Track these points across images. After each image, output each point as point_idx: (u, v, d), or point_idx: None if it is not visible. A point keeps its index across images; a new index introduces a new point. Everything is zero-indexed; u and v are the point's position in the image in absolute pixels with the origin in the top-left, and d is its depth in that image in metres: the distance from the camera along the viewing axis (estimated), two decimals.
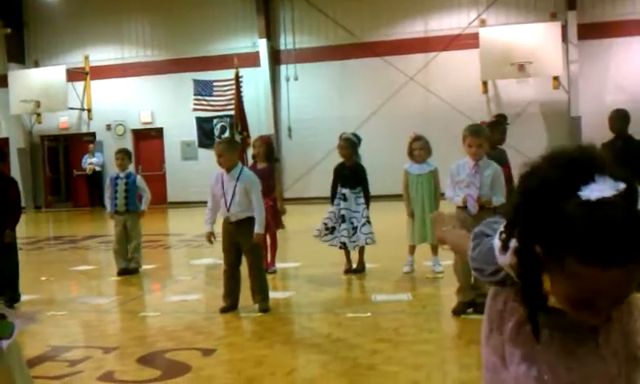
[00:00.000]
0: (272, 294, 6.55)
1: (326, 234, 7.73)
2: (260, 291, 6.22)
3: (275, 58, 21.12)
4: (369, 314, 5.83)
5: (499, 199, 5.64)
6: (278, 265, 8.45)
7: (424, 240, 7.47)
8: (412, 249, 7.66)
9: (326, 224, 7.74)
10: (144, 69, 21.62)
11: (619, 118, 7.24)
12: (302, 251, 10.44)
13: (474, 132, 5.66)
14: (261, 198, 6.19)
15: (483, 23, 19.56)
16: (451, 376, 4.29)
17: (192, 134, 21.29)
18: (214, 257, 7.82)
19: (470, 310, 5.59)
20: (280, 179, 8.40)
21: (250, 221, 6.09)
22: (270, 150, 8.17)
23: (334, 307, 6.28)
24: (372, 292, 6.61)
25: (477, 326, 5.23)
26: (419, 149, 7.73)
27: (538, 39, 18.62)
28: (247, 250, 6.17)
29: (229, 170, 6.14)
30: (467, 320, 5.54)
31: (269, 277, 6.93)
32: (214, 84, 19.67)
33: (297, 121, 20.79)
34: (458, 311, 5.62)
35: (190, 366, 4.61)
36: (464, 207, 5.65)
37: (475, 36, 19.17)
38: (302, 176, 20.12)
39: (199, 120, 20.91)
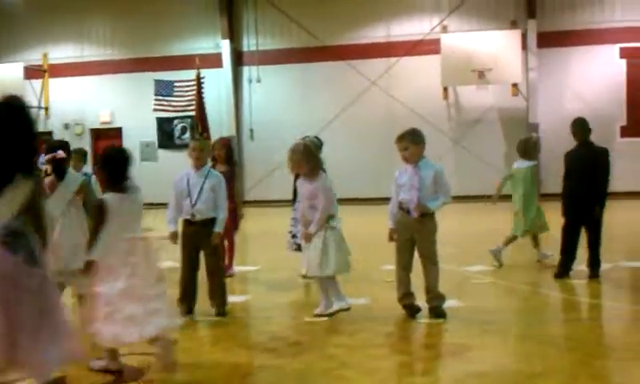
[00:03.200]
0: (230, 298, 6.50)
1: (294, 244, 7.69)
2: (218, 295, 6.17)
3: (238, 60, 21.04)
4: (326, 318, 5.83)
5: (440, 200, 5.70)
6: (237, 268, 8.40)
7: (531, 228, 8.35)
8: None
9: (291, 232, 7.73)
10: (104, 68, 21.34)
11: (583, 126, 7.40)
12: (262, 254, 10.40)
13: (397, 138, 5.82)
14: (226, 199, 6.16)
15: (445, 29, 19.76)
16: (406, 381, 4.32)
17: (152, 135, 21.07)
18: (173, 260, 7.72)
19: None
20: (239, 182, 8.36)
21: (212, 223, 6.04)
22: (229, 152, 8.13)
23: (291, 311, 6.27)
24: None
25: (432, 330, 5.30)
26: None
27: (499, 46, 18.91)
28: (208, 252, 6.12)
29: (199, 168, 6.10)
30: (423, 324, 5.59)
31: (227, 280, 6.88)
32: (175, 84, 19.49)
33: (259, 123, 20.74)
34: (412, 313, 5.72)
35: (144, 372, 4.55)
36: (405, 210, 5.71)
37: (437, 42, 19.37)
38: (263, 178, 20.07)
39: (159, 120, 20.71)
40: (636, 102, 19.44)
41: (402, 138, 5.83)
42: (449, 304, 5.99)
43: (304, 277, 7.22)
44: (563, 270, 7.40)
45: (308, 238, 5.83)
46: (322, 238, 5.81)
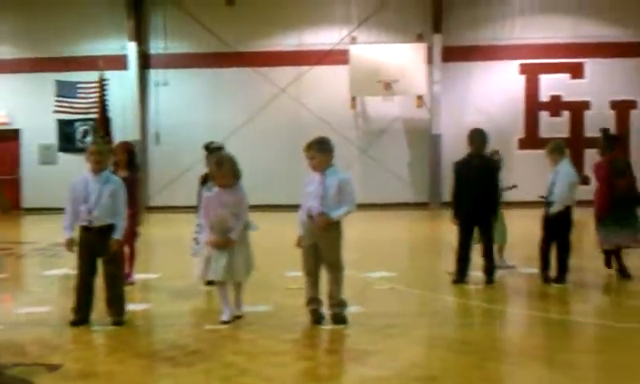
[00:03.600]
0: (130, 306, 6.32)
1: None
2: (116, 303, 5.99)
3: (144, 62, 20.57)
4: (227, 325, 5.77)
5: (343, 210, 5.73)
6: (139, 276, 8.19)
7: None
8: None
9: (195, 238, 7.59)
10: (2, 66, 20.37)
11: (479, 137, 7.65)
12: (165, 262, 10.19)
13: (305, 146, 5.89)
14: (125, 204, 6.00)
15: (354, 41, 20.06)
16: None
17: (52, 137, 20.27)
18: (69, 267, 7.44)
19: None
20: (141, 189, 8.14)
21: (111, 229, 5.87)
22: (131, 157, 7.91)
23: (192, 319, 6.16)
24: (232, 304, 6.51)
25: (334, 336, 5.33)
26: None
27: (405, 59, 19.37)
28: (107, 259, 5.93)
29: (97, 173, 5.90)
30: (325, 330, 5.62)
31: (127, 288, 6.68)
32: (78, 86, 18.80)
33: (165, 127, 20.35)
34: (315, 319, 5.76)
35: (32, 383, 4.35)
36: (311, 218, 5.76)
37: (346, 52, 19.63)
38: (168, 183, 19.69)
39: (60, 123, 19.94)
40: (533, 116, 20.39)
41: (309, 147, 5.88)
42: (351, 310, 6.05)
43: (208, 283, 7.11)
44: (459, 276, 7.64)
45: (228, 244, 5.79)
46: (244, 243, 5.98)
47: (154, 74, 20.60)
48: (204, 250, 5.94)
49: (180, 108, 20.36)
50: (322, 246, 5.79)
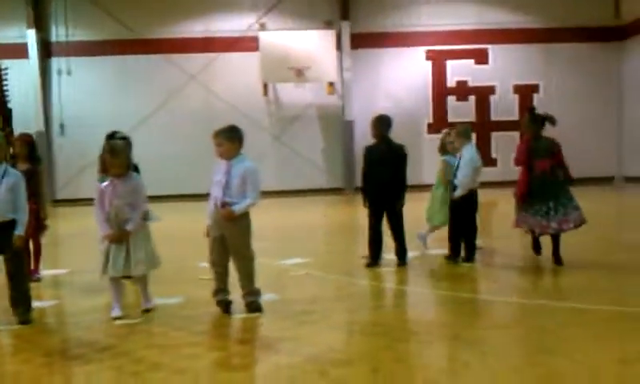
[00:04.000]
0: (36, 304, 6.09)
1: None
2: (21, 301, 5.75)
3: (46, 51, 19.78)
4: (139, 319, 5.65)
5: (246, 202, 5.67)
6: (47, 272, 7.90)
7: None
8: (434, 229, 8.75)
9: None
10: None
11: (381, 124, 7.76)
12: (74, 256, 9.87)
13: (213, 133, 5.80)
14: (25, 198, 5.74)
15: (263, 27, 19.97)
16: (217, 378, 4.29)
17: None
18: None
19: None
20: (44, 182, 7.84)
21: (12, 225, 5.61)
22: (31, 150, 7.59)
23: (102, 314, 5.99)
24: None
25: (247, 325, 5.30)
26: (452, 142, 8.42)
27: (315, 46, 19.46)
28: (8, 257, 5.67)
29: None
30: (239, 319, 5.59)
31: (32, 285, 6.43)
32: None
33: (70, 117, 19.67)
34: (224, 310, 5.72)
35: None
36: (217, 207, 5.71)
37: (255, 39, 19.53)
38: (75, 175, 19.08)
39: None
40: (441, 101, 20.94)
41: (217, 134, 5.78)
42: (265, 298, 6.05)
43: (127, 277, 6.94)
44: (373, 259, 7.77)
45: (125, 237, 5.63)
46: (144, 235, 5.76)
47: (57, 63, 19.85)
48: (103, 245, 5.75)
49: (85, 97, 19.71)
50: (229, 237, 5.73)
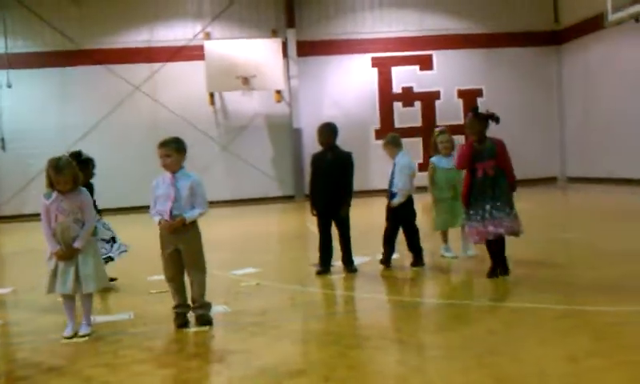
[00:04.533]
0: None
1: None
2: None
3: None
4: (86, 338, 5.53)
5: (196, 212, 5.64)
6: None
7: (450, 226, 8.30)
8: (444, 235, 8.44)
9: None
10: None
11: (326, 131, 7.80)
12: (18, 274, 9.61)
13: (160, 144, 5.70)
14: None
15: (208, 36, 19.84)
16: None
17: None
18: None
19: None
20: None
21: None
22: None
23: (48, 334, 5.84)
24: (92, 313, 6.25)
25: (198, 339, 5.23)
26: (445, 142, 8.35)
27: (261, 54, 19.43)
28: None
29: None
30: (189, 333, 5.53)
31: None
32: None
33: (11, 131, 19.16)
34: (180, 324, 5.65)
35: None
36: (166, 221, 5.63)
37: (201, 48, 19.39)
38: (19, 191, 18.58)
39: None
40: (387, 107, 21.16)
41: (165, 145, 5.68)
42: (216, 310, 6.00)
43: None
44: (323, 267, 7.79)
45: (72, 254, 5.50)
46: (92, 251, 5.63)
47: None
48: (50, 262, 5.60)
49: (27, 111, 19.25)
50: (184, 250, 5.67)
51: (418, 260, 7.93)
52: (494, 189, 6.83)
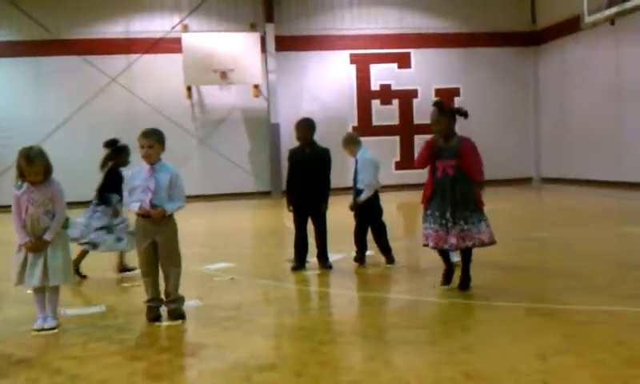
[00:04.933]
0: None
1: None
2: None
3: None
4: (55, 330, 5.46)
5: (176, 204, 5.65)
6: None
7: None
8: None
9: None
10: None
11: (304, 127, 7.79)
12: None
13: (143, 134, 5.65)
14: None
15: (186, 29, 19.71)
16: None
17: None
18: None
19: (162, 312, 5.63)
20: None
21: None
22: None
23: (17, 325, 5.76)
24: (62, 306, 6.18)
25: (170, 333, 5.18)
26: None
27: (239, 48, 19.34)
28: None
29: None
30: (161, 327, 5.49)
31: None
32: None
33: None
34: (152, 317, 5.61)
35: None
36: (142, 215, 5.58)
37: (178, 41, 19.25)
38: None
39: None
40: (365, 105, 21.18)
41: (148, 135, 5.62)
42: (189, 304, 5.96)
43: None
44: (298, 262, 7.78)
45: (42, 246, 5.42)
46: (62, 244, 5.55)
47: None
48: (19, 254, 5.52)
49: (2, 100, 18.98)
50: (160, 242, 5.62)
51: (389, 257, 7.93)
52: (454, 191, 6.16)
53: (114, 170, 7.76)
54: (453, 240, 6.16)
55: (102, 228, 7.57)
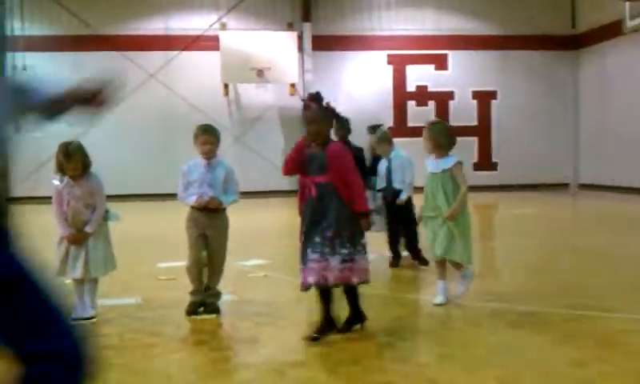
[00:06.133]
0: None
1: None
2: None
3: (1, 45, 19.33)
4: (93, 320, 5.57)
5: (231, 198, 5.78)
6: None
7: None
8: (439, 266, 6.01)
9: None
10: None
11: (339, 124, 7.79)
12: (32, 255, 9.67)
13: (204, 130, 5.77)
14: None
15: (224, 27, 19.87)
16: (175, 379, 4.26)
17: None
18: None
19: (201, 309, 5.67)
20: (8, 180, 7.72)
21: None
22: None
23: None
24: (99, 297, 6.29)
25: (206, 326, 5.25)
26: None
27: (276, 47, 19.43)
28: None
29: None
30: (196, 320, 5.56)
31: None
32: None
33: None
34: (190, 311, 5.67)
35: None
36: (197, 208, 5.68)
37: (216, 38, 19.42)
38: (32, 173, 18.67)
39: None
40: (401, 106, 21.12)
41: (210, 131, 5.77)
42: (224, 299, 6.02)
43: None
44: None
45: (84, 238, 5.54)
46: (102, 236, 5.67)
47: (11, 58, 19.41)
48: (60, 246, 5.63)
49: None
50: (210, 235, 5.72)
51: (420, 260, 7.87)
52: (323, 214, 4.79)
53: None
54: (332, 277, 4.82)
55: None
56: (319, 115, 4.90)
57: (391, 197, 7.91)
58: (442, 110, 21.18)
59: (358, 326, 5.13)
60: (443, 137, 5.96)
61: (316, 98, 5.00)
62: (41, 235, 9.56)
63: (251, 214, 15.60)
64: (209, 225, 5.70)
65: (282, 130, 20.67)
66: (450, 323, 5.48)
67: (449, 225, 5.74)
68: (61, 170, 5.59)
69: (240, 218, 14.38)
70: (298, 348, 4.85)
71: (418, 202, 7.88)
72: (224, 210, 5.81)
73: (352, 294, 5.12)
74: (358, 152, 7.74)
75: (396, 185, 7.85)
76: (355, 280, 4.90)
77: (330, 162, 4.78)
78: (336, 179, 4.78)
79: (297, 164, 4.96)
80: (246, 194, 21.79)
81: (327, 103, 5.04)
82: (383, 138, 8.11)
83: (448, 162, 5.83)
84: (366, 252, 4.96)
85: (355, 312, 5.14)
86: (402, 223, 7.91)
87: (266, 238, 11.52)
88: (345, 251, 4.77)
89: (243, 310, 5.94)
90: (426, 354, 4.65)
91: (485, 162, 21.01)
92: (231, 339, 5.01)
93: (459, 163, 5.89)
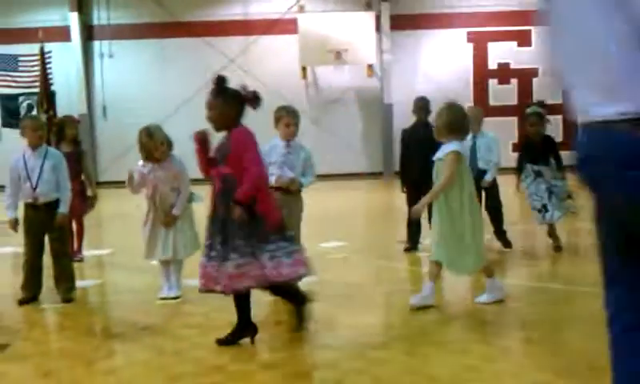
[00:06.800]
0: (80, 283, 6.26)
1: None
2: (65, 280, 5.90)
3: (88, 34, 20.07)
4: (179, 299, 5.74)
5: (309, 179, 5.85)
6: (90, 252, 8.08)
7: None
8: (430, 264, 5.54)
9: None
10: None
11: (421, 106, 7.71)
12: (117, 237, 10.05)
13: (289, 111, 5.83)
14: (67, 177, 5.90)
15: (302, 9, 19.90)
16: (257, 358, 4.35)
17: None
18: (16, 245, 7.30)
19: None
20: (90, 163, 8.08)
21: (57, 204, 5.79)
22: (76, 132, 7.79)
23: (144, 295, 6.10)
24: (187, 277, 6.47)
25: (286, 307, 5.26)
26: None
27: (354, 28, 19.32)
28: (54, 236, 5.83)
29: (35, 149, 5.79)
30: (277, 302, 5.63)
31: (76, 265, 6.60)
32: (20, 58, 18.27)
33: (113, 100, 19.94)
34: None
35: None
36: (277, 188, 5.73)
37: (294, 22, 19.49)
38: (118, 158, 19.34)
39: (3, 97, 19.35)
40: (482, 84, 20.65)
41: (293, 113, 5.84)
42: (304, 280, 6.08)
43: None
44: (411, 243, 7.72)
45: (172, 221, 5.72)
46: (187, 218, 5.85)
47: (98, 46, 20.12)
48: (146, 228, 5.83)
49: (127, 81, 19.95)
50: (287, 215, 5.77)
51: (504, 242, 7.70)
52: (227, 212, 4.31)
53: None
54: (272, 272, 4.44)
55: None
56: (213, 100, 4.54)
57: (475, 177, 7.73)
58: (525, 88, 20.58)
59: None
60: (440, 121, 5.42)
61: (217, 81, 4.58)
62: (124, 217, 9.89)
63: (328, 196, 15.66)
64: (287, 204, 5.75)
65: (360, 111, 20.61)
66: (535, 306, 5.35)
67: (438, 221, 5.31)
68: (146, 155, 5.77)
69: (318, 200, 14.49)
70: (377, 330, 4.86)
71: (507, 183, 7.70)
72: (299, 191, 5.85)
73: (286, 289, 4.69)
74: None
75: (483, 165, 7.63)
76: (293, 276, 4.57)
77: (233, 149, 4.34)
78: (235, 168, 4.28)
79: (203, 158, 4.51)
80: (324, 177, 21.87)
81: (243, 86, 4.63)
82: (479, 114, 7.87)
83: (444, 151, 5.35)
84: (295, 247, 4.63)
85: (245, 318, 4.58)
86: (487, 210, 7.61)
87: (344, 219, 11.55)
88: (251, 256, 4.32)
89: (322, 291, 5.96)
90: (510, 338, 4.56)
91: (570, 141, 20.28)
92: (310, 320, 5.05)
93: (453, 153, 5.24)
